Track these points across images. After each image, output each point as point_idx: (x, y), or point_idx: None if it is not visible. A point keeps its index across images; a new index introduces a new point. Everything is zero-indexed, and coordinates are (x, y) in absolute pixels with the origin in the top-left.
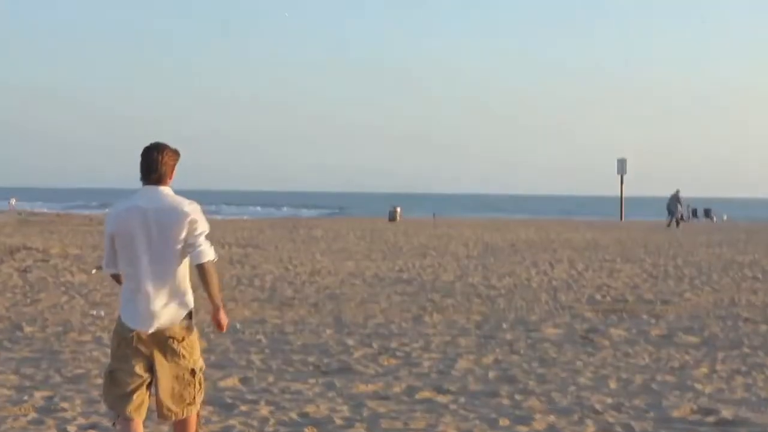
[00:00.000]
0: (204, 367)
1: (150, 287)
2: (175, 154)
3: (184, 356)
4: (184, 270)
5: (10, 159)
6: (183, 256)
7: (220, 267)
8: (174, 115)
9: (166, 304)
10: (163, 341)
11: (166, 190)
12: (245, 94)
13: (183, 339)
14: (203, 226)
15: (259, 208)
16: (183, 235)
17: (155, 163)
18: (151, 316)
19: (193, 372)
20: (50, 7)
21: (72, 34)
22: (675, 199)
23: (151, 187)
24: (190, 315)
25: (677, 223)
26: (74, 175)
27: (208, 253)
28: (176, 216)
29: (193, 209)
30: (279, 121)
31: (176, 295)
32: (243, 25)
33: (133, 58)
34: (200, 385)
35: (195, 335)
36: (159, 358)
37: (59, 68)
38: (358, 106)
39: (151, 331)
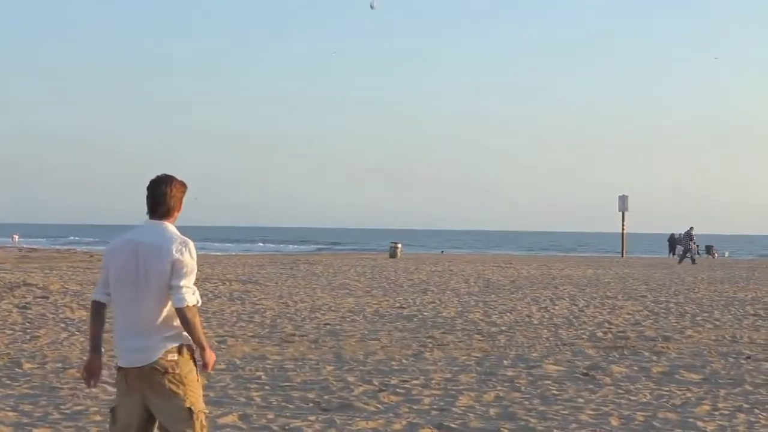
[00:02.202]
0: (206, 410)
1: (133, 322)
2: (183, 186)
3: (175, 392)
4: (170, 309)
5: (16, 196)
6: (167, 296)
7: (220, 303)
8: (171, 152)
9: (147, 340)
10: (149, 375)
11: (164, 225)
12: (242, 131)
13: (167, 371)
14: (187, 269)
15: (260, 244)
16: (166, 275)
17: (163, 196)
18: (133, 351)
19: (190, 411)
20: (44, 52)
21: (69, 76)
22: (688, 237)
23: (152, 222)
24: (180, 350)
25: (680, 260)
26: (74, 212)
27: (188, 298)
28: (160, 255)
29: (180, 250)
30: (277, 158)
31: (160, 331)
32: (242, 62)
33: (132, 97)
34: (202, 430)
35: (189, 372)
36: (149, 396)
37: (60, 110)
38: (357, 143)
39: (134, 366)
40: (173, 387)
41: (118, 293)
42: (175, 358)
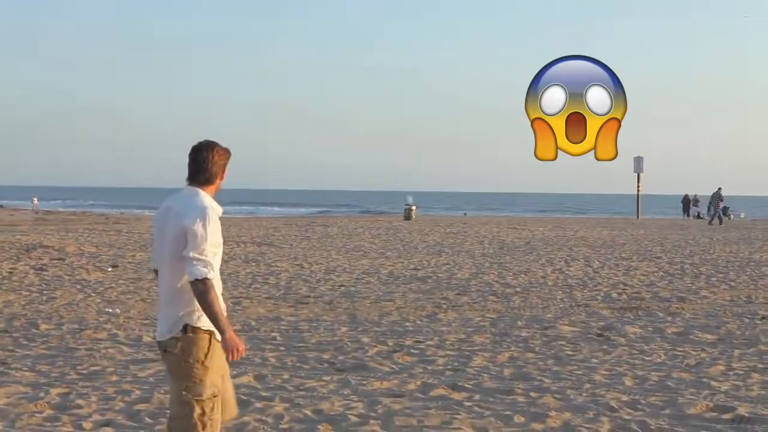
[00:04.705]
0: (203, 397)
1: (161, 293)
2: (226, 152)
3: (173, 373)
4: (185, 282)
5: (36, 160)
6: (182, 267)
7: (235, 265)
8: (188, 115)
9: (165, 313)
10: (162, 351)
11: (196, 191)
12: (261, 96)
13: (166, 350)
14: (198, 240)
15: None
16: (180, 244)
17: (206, 162)
18: (159, 323)
19: (184, 398)
20: (65, 18)
21: (91, 43)
22: (717, 198)
23: (188, 188)
24: (185, 328)
25: (720, 221)
26: (93, 175)
27: (196, 271)
28: (176, 222)
29: (193, 218)
30: (293, 122)
31: (175, 305)
32: (261, 28)
33: (148, 62)
34: (197, 420)
35: (197, 353)
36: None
37: (82, 76)
38: (373, 107)
39: (157, 339)
40: (172, 367)
41: (157, 262)
42: (178, 335)
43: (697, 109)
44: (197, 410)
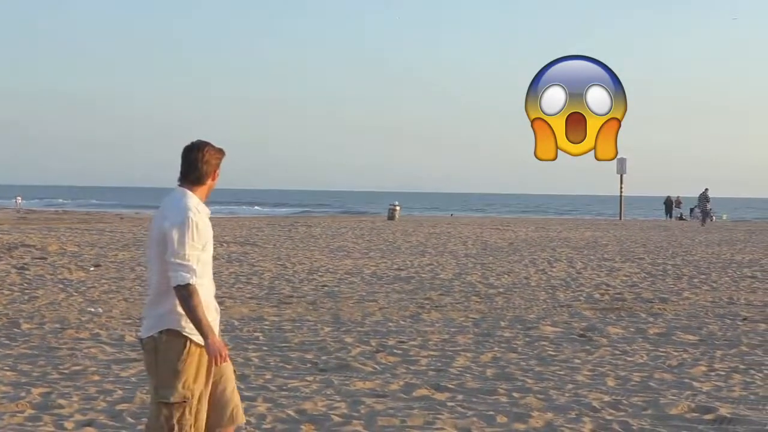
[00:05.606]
0: (171, 401)
1: (148, 291)
2: (219, 152)
3: (150, 373)
4: (167, 283)
5: (25, 159)
6: (164, 269)
7: (218, 265)
8: (177, 115)
9: (148, 312)
10: (142, 349)
11: (184, 192)
12: (246, 95)
13: (144, 348)
14: (175, 244)
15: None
16: (161, 246)
17: (196, 162)
18: (143, 320)
19: (154, 398)
20: (64, 13)
21: (89, 40)
22: (704, 198)
23: (177, 188)
24: (163, 331)
25: (703, 222)
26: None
27: (179, 277)
28: (159, 224)
29: (173, 223)
30: (283, 120)
31: (158, 305)
32: (252, 26)
33: (145, 61)
34: (163, 423)
35: (173, 355)
36: None
37: (78, 73)
38: (362, 105)
39: (139, 336)
40: (149, 368)
41: (147, 262)
42: (156, 336)
43: (682, 110)
44: (164, 412)
